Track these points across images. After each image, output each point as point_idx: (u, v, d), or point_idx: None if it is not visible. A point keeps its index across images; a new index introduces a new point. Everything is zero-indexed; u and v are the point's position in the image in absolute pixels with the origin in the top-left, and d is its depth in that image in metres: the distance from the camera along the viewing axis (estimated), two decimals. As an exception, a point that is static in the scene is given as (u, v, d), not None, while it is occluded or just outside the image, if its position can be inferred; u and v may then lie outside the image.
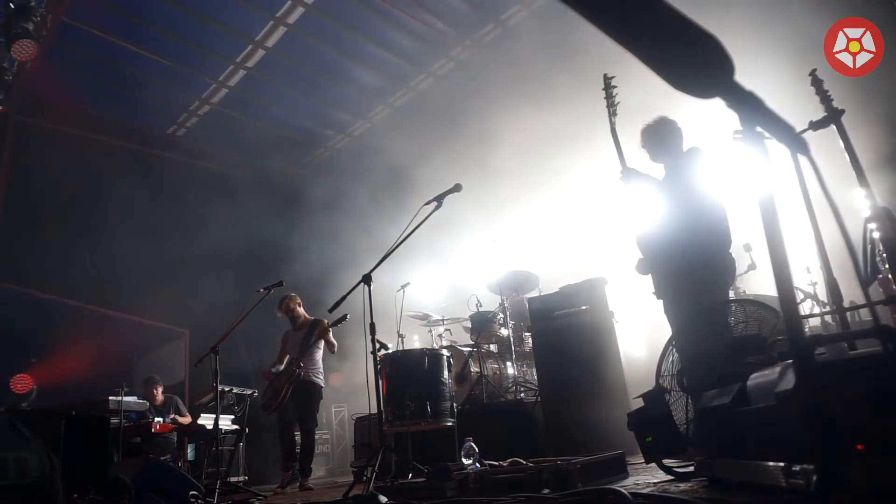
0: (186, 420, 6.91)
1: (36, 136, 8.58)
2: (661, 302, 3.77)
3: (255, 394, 6.54)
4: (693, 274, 3.46)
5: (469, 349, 6.25)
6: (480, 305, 6.80)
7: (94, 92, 8.80)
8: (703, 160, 3.70)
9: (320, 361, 5.94)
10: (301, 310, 6.13)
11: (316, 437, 5.99)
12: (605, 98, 3.98)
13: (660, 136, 3.89)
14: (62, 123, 8.96)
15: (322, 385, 5.93)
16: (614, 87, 4.00)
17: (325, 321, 5.99)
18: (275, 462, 7.78)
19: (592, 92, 4.18)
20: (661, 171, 3.90)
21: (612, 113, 3.96)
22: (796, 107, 2.64)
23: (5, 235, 8.09)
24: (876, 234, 3.06)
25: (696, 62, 0.90)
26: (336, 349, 5.90)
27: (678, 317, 3.57)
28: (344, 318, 5.17)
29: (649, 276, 3.81)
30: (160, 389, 7.15)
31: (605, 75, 4.01)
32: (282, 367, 5.79)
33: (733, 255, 3.61)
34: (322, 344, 5.95)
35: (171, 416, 6.78)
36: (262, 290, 5.66)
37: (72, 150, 8.56)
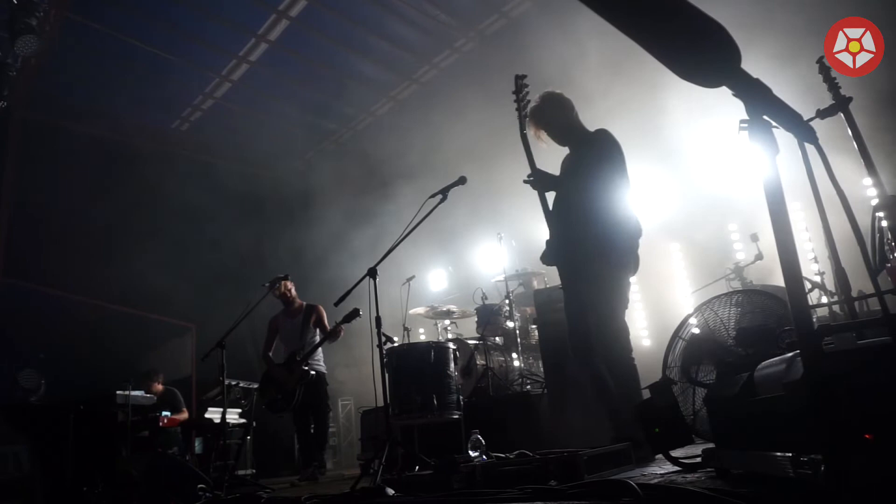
0: (180, 417, 6.84)
1: (41, 133, 8.60)
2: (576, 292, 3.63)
3: (262, 387, 6.54)
4: (588, 266, 3.38)
5: (475, 342, 6.25)
6: (486, 298, 6.80)
7: (97, 87, 8.81)
8: (607, 144, 3.52)
9: (319, 348, 5.81)
10: (294, 293, 6.04)
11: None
12: (515, 101, 3.71)
13: (549, 112, 3.68)
14: (66, 120, 8.99)
15: (325, 371, 5.90)
16: (526, 86, 3.75)
17: (321, 306, 5.96)
18: (282, 455, 7.83)
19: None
20: (568, 153, 3.75)
21: (522, 115, 3.71)
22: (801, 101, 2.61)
23: (13, 232, 8.15)
24: (884, 223, 3.04)
25: (701, 50, 0.89)
26: (338, 339, 5.63)
27: (571, 309, 3.56)
28: (356, 313, 5.02)
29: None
30: (158, 383, 7.15)
31: (516, 76, 3.75)
32: (282, 361, 5.76)
33: (639, 242, 3.47)
34: (318, 329, 5.89)
35: (164, 413, 6.64)
36: (266, 285, 5.67)
37: (76, 146, 8.58)
